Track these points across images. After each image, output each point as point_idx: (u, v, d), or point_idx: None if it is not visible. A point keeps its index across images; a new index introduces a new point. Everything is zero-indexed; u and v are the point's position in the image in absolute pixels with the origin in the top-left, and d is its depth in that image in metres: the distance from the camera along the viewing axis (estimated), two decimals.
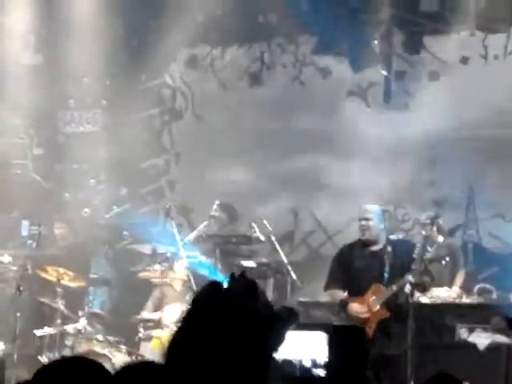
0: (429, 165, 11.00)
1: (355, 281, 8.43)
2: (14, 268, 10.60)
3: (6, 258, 10.64)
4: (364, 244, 8.56)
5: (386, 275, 8.31)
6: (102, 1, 11.55)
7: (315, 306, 9.39)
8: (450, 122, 10.66)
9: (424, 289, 8.50)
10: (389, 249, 8.39)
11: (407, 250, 8.42)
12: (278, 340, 1.87)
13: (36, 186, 12.07)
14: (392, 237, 8.94)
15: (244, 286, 1.99)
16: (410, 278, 8.07)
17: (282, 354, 1.88)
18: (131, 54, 11.97)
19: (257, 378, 1.88)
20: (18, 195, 11.60)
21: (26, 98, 11.77)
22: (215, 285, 1.97)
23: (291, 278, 9.59)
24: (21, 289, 9.31)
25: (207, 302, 1.94)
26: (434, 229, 9.34)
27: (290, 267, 9.67)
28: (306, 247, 11.51)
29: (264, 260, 9.83)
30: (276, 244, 9.80)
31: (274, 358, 1.90)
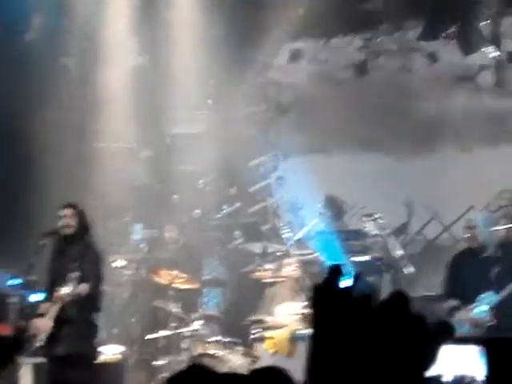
0: None
1: (465, 291, 8.06)
2: (129, 272, 10.59)
3: (120, 263, 10.61)
4: (473, 252, 8.23)
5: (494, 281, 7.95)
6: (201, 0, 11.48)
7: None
8: None
9: None
10: (498, 253, 8.05)
11: None
12: (432, 358, 1.62)
13: (146, 189, 12.04)
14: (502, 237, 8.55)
15: (397, 297, 1.66)
16: None
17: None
18: (234, 52, 11.80)
19: None
20: (128, 199, 11.60)
21: (131, 100, 11.71)
22: (367, 298, 1.63)
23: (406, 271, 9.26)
24: (134, 294, 9.32)
25: (358, 315, 1.62)
26: None
27: (405, 261, 9.34)
28: (423, 239, 11.15)
29: (377, 255, 9.54)
30: (389, 238, 9.49)
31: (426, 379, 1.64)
